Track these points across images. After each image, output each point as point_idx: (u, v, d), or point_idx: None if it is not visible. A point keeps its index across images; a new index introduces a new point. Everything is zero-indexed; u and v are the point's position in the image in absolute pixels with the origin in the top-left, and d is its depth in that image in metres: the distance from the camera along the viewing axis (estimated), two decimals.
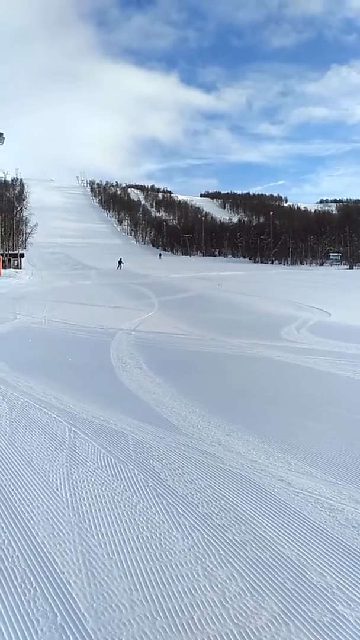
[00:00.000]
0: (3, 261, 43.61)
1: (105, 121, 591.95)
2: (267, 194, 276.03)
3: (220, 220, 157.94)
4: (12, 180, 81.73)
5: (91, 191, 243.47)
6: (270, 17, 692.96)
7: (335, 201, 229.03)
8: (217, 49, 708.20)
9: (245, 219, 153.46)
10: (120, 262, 52.42)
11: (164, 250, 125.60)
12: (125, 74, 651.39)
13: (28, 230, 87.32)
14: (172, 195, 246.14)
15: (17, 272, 42.03)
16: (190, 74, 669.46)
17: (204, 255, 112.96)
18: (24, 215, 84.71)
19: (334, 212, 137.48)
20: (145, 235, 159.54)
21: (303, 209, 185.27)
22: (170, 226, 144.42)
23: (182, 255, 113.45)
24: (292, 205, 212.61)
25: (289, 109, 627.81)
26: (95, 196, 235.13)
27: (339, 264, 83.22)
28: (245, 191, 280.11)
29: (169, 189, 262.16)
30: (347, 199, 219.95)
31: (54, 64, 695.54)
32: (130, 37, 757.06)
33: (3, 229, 65.38)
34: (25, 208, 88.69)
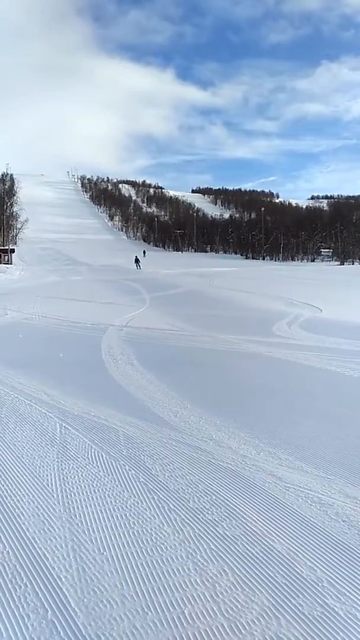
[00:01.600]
0: None
1: (99, 117, 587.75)
2: (259, 189, 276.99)
3: (211, 216, 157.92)
4: (2, 175, 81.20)
5: (82, 186, 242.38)
6: (267, 14, 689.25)
7: (326, 197, 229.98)
8: (213, 45, 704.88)
9: (237, 215, 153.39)
10: (137, 260, 43.63)
11: (155, 246, 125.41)
12: (121, 69, 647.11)
13: (18, 226, 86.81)
14: (163, 190, 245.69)
15: (7, 268, 41.84)
16: (186, 69, 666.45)
17: (195, 251, 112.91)
18: (14, 210, 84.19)
19: (325, 209, 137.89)
20: (137, 231, 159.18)
21: (294, 205, 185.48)
22: (161, 222, 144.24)
23: (174, 251, 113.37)
24: (284, 201, 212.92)
25: (282, 105, 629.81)
26: (86, 191, 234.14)
27: (330, 260, 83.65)
28: (236, 187, 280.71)
29: (160, 185, 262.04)
30: (338, 195, 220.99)
31: (49, 59, 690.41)
32: (126, 32, 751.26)
33: None
34: (16, 203, 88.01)
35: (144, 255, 65.69)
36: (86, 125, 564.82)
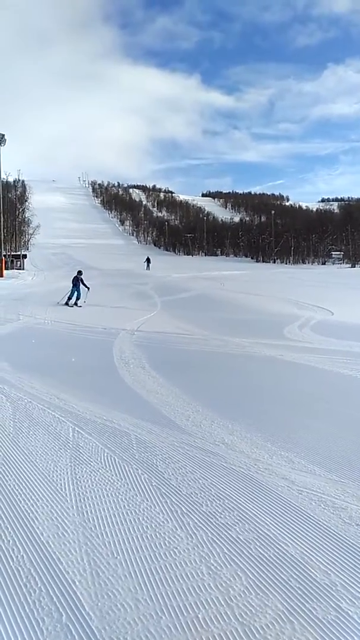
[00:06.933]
0: (6, 262, 43.66)
1: (121, 122, 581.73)
2: (269, 193, 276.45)
3: (222, 219, 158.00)
4: (14, 181, 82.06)
5: (93, 192, 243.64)
6: (296, 17, 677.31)
7: (336, 200, 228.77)
8: (240, 50, 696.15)
9: (247, 219, 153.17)
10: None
11: (166, 250, 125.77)
12: (146, 75, 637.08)
13: (30, 231, 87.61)
14: (173, 195, 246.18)
15: (19, 273, 42.12)
16: (211, 75, 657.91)
17: (205, 255, 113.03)
18: (26, 216, 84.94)
19: (335, 211, 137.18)
20: (147, 236, 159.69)
21: (305, 207, 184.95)
22: (172, 226, 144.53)
23: (184, 255, 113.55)
24: (294, 204, 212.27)
25: (288, 109, 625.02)
26: (97, 197, 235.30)
27: (341, 263, 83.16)
28: (246, 190, 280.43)
29: (170, 189, 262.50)
30: (348, 198, 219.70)
31: (74, 65, 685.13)
32: (153, 38, 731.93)
33: (5, 230, 65.56)
34: (28, 209, 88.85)
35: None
36: (107, 131, 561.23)
